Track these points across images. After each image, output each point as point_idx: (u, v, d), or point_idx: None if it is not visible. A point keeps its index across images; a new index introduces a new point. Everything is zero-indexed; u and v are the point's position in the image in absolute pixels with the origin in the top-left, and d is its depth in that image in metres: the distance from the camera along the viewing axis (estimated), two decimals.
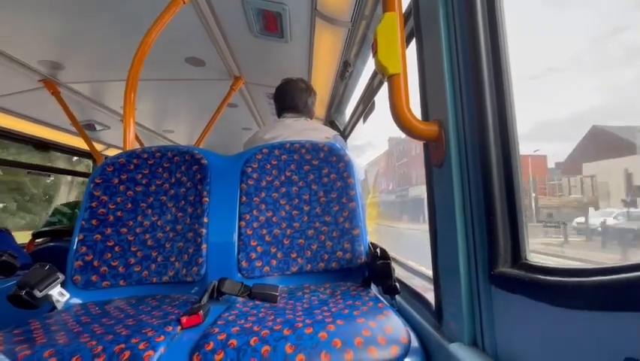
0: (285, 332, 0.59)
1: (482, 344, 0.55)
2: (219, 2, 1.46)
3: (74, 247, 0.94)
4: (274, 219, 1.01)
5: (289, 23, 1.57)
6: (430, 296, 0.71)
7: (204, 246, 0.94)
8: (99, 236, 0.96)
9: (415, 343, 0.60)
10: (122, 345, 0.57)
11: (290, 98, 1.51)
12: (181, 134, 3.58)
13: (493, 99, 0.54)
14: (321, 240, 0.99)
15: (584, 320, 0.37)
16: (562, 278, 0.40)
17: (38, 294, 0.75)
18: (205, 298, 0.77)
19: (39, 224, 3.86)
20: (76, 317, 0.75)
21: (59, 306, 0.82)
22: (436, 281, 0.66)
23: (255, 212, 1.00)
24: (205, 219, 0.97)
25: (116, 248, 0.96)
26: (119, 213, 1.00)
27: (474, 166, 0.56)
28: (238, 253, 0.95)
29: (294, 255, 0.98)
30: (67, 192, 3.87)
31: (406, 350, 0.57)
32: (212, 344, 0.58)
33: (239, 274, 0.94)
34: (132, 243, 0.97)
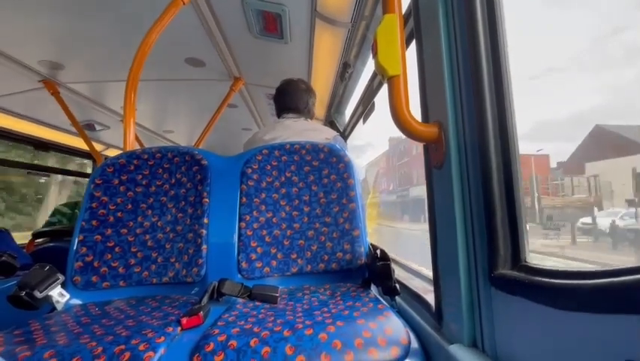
0: (285, 333, 0.59)
1: (482, 346, 0.55)
2: (219, 3, 1.46)
3: (74, 248, 0.94)
4: (274, 220, 1.02)
5: (289, 24, 1.57)
6: (430, 297, 0.71)
7: (204, 247, 0.94)
8: (99, 237, 0.96)
9: (414, 344, 0.60)
10: (122, 346, 0.57)
11: (290, 99, 1.51)
12: (181, 135, 3.58)
13: (493, 101, 0.54)
14: (321, 241, 0.99)
15: (583, 322, 0.37)
16: (562, 280, 0.40)
17: (38, 295, 0.75)
18: (205, 299, 0.77)
19: (31, 225, 3.83)
20: (76, 317, 0.75)
21: (59, 307, 0.82)
22: (436, 282, 0.66)
23: (255, 213, 1.00)
24: (205, 220, 0.97)
25: (116, 249, 0.96)
26: (119, 214, 1.00)
27: (474, 168, 0.56)
28: (238, 254, 0.95)
29: (294, 256, 0.98)
30: (57, 191, 3.83)
31: (406, 352, 0.57)
32: (212, 345, 0.58)
33: (239, 275, 0.94)
34: (132, 244, 0.97)
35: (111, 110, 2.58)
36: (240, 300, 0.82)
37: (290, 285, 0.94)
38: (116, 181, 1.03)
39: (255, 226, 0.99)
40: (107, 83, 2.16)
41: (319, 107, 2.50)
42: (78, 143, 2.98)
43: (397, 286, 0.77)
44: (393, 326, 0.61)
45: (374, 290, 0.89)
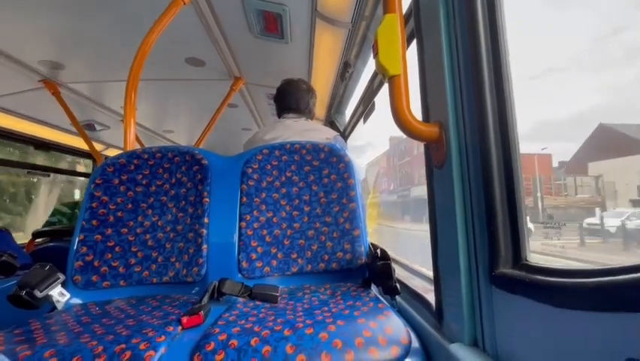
0: (286, 332, 0.59)
1: (483, 345, 0.55)
2: (219, 3, 1.46)
3: (75, 247, 0.94)
4: (274, 219, 1.02)
5: (289, 24, 1.57)
6: (431, 297, 0.71)
7: (205, 246, 0.94)
8: (99, 236, 0.96)
9: (415, 343, 0.60)
10: (123, 345, 0.57)
11: (291, 99, 1.51)
12: (181, 135, 3.58)
13: (494, 100, 0.54)
14: (322, 240, 0.99)
15: (584, 321, 0.37)
16: (562, 279, 0.40)
17: (39, 294, 0.75)
18: (205, 299, 0.77)
19: (20, 225, 3.80)
20: (76, 317, 0.75)
21: (60, 306, 0.82)
22: (437, 282, 0.66)
23: (255, 212, 1.00)
24: (205, 220, 0.97)
25: (117, 248, 0.96)
26: (119, 214, 1.00)
27: (474, 167, 0.57)
28: (238, 254, 0.95)
29: (294, 255, 0.98)
30: (47, 191, 3.79)
31: (407, 351, 0.57)
32: (212, 344, 0.58)
33: (239, 275, 0.94)
34: (133, 243, 0.97)
35: (111, 110, 2.58)
36: (241, 299, 0.82)
37: (290, 284, 0.94)
38: (117, 181, 1.03)
39: (256, 225, 0.99)
40: (108, 83, 2.16)
41: (319, 107, 2.50)
42: (78, 143, 2.98)
43: (398, 285, 0.77)
44: (393, 326, 0.61)
45: (374, 290, 0.89)
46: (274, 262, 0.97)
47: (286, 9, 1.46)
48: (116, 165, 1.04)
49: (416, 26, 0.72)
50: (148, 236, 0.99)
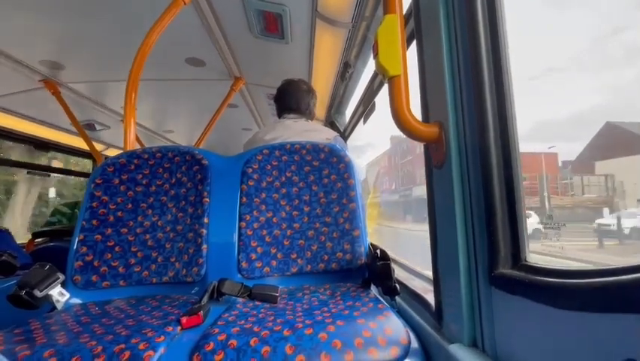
0: (285, 332, 0.59)
1: (482, 345, 0.55)
2: (220, 3, 1.46)
3: (74, 247, 0.94)
4: (274, 219, 1.02)
5: (290, 24, 1.57)
6: (430, 297, 0.71)
7: (204, 246, 0.94)
8: (99, 236, 0.96)
9: (414, 344, 0.60)
10: (122, 345, 0.57)
11: (292, 99, 1.51)
12: (181, 135, 3.58)
13: (494, 101, 0.54)
14: (321, 241, 0.99)
15: (583, 322, 0.37)
16: (562, 280, 0.40)
17: (38, 294, 0.75)
18: (205, 299, 0.77)
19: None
20: (76, 317, 0.75)
21: (59, 306, 0.82)
22: (436, 282, 0.66)
23: (255, 213, 1.00)
24: (205, 220, 0.97)
25: (117, 248, 0.96)
26: (119, 214, 1.00)
27: (474, 167, 0.57)
28: (238, 254, 0.95)
29: (294, 256, 0.98)
30: (26, 189, 3.72)
31: (406, 351, 0.57)
32: (212, 344, 0.58)
33: (239, 275, 0.94)
34: (132, 243, 0.97)
35: (111, 110, 2.58)
36: (240, 300, 0.82)
37: (290, 285, 0.94)
38: (117, 181, 1.03)
39: (255, 225, 0.99)
40: (108, 83, 2.16)
41: (319, 108, 2.50)
42: (78, 143, 2.98)
43: (397, 286, 0.77)
44: (393, 326, 0.61)
45: (374, 290, 0.89)
46: (274, 263, 0.96)
47: (286, 9, 1.46)
48: (116, 164, 1.04)
49: (416, 27, 0.72)
50: (148, 236, 0.99)
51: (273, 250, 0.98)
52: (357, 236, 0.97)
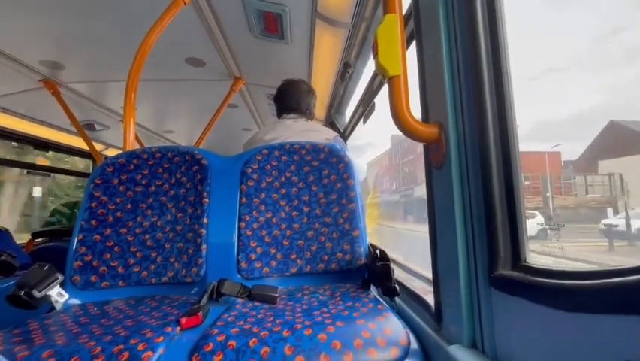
0: (285, 333, 0.59)
1: (482, 347, 0.55)
2: (220, 3, 1.46)
3: (74, 248, 0.94)
4: (274, 220, 1.01)
5: (289, 24, 1.57)
6: (430, 298, 0.71)
7: (204, 247, 0.94)
8: (98, 236, 0.96)
9: (414, 345, 0.60)
10: (121, 346, 0.57)
11: (292, 99, 1.51)
12: (181, 135, 3.58)
13: (493, 101, 0.54)
14: (321, 241, 0.99)
15: (583, 323, 0.36)
16: (561, 281, 0.40)
17: (37, 294, 0.75)
18: (204, 299, 0.77)
19: None
20: (75, 317, 0.75)
21: (58, 306, 0.82)
22: (436, 283, 0.66)
23: (254, 213, 1.00)
24: (205, 220, 0.97)
25: (116, 248, 0.96)
26: (118, 214, 1.00)
27: (474, 168, 0.56)
28: (238, 254, 0.95)
29: (293, 256, 0.97)
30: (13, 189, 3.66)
31: (406, 352, 0.57)
32: (211, 345, 0.58)
33: (238, 275, 0.94)
34: (132, 243, 0.97)
35: (111, 110, 2.58)
36: (240, 300, 0.82)
37: (289, 285, 0.94)
38: (116, 181, 1.02)
39: (255, 226, 0.99)
40: (107, 83, 2.16)
41: (319, 108, 2.50)
42: (78, 143, 2.98)
43: (397, 286, 0.76)
44: (392, 327, 0.61)
45: (374, 291, 0.89)
46: (273, 263, 0.96)
47: (286, 9, 1.46)
48: (115, 165, 1.04)
49: (416, 27, 0.72)
50: (147, 236, 0.98)
51: (273, 251, 0.98)
52: (356, 236, 0.97)
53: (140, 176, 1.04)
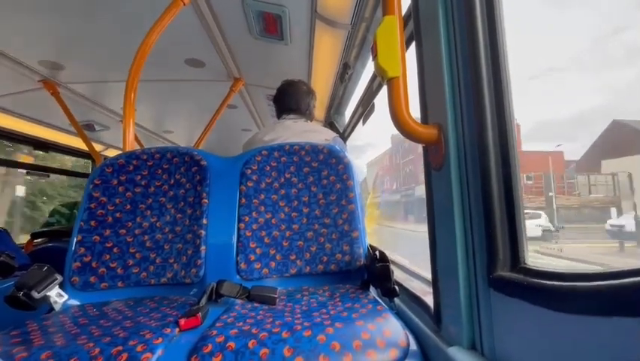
0: (284, 334, 0.59)
1: (481, 348, 0.55)
2: (219, 4, 1.46)
3: (73, 248, 0.94)
4: (273, 221, 1.01)
5: (289, 25, 1.57)
6: (429, 299, 0.71)
7: (203, 247, 0.94)
8: (98, 237, 0.96)
9: (413, 346, 0.60)
10: (120, 347, 0.57)
11: (292, 100, 1.52)
12: (180, 136, 3.58)
13: (493, 103, 0.54)
14: (320, 242, 0.99)
15: (583, 325, 0.37)
16: (561, 282, 0.40)
17: (36, 295, 0.75)
18: (203, 300, 0.76)
19: None
20: (73, 318, 0.75)
21: (57, 307, 0.82)
22: (435, 284, 0.66)
23: (254, 214, 1.00)
24: (204, 221, 0.97)
25: (115, 249, 0.96)
26: (117, 215, 0.99)
27: (473, 170, 0.56)
28: (237, 255, 0.95)
29: (292, 257, 0.97)
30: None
31: (405, 354, 0.57)
32: (210, 346, 0.58)
33: (237, 276, 0.94)
34: (131, 244, 0.97)
35: (111, 111, 2.58)
36: (239, 301, 0.82)
37: (289, 286, 0.94)
38: (115, 182, 1.02)
39: (254, 226, 0.99)
40: (107, 84, 2.16)
41: (319, 109, 2.50)
42: (77, 143, 2.98)
43: (396, 287, 0.76)
44: (392, 328, 0.61)
45: (373, 292, 0.89)
46: (273, 264, 0.96)
47: (286, 10, 1.46)
48: (114, 165, 1.04)
49: (415, 28, 0.72)
50: (146, 237, 0.98)
51: (272, 252, 0.98)
52: (356, 237, 0.97)
53: (139, 177, 1.04)
